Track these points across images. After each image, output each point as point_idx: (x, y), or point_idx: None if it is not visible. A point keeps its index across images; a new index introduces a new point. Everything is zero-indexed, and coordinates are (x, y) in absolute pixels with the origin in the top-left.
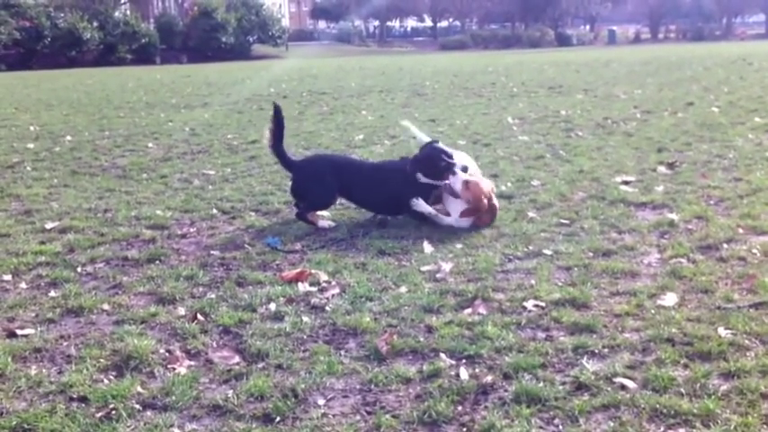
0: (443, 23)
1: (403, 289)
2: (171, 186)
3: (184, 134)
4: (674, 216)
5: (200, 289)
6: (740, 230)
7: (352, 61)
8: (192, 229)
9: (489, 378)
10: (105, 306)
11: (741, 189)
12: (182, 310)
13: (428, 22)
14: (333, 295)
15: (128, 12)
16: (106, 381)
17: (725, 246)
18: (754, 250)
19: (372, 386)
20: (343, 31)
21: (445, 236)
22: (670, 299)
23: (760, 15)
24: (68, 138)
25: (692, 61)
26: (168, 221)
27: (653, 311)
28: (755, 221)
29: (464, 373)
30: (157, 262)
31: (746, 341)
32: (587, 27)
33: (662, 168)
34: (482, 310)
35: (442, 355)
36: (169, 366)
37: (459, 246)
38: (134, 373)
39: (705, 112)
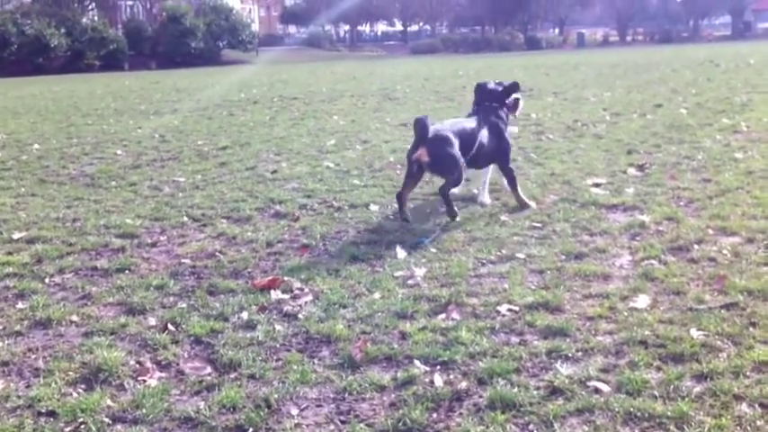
0: (414, 27)
1: (376, 295)
2: (140, 194)
3: (154, 141)
4: (644, 218)
5: (171, 298)
6: (710, 231)
7: (323, 66)
8: (162, 238)
9: (464, 384)
10: (74, 317)
11: (710, 190)
12: (152, 321)
13: (398, 27)
14: (306, 302)
15: (95, 18)
16: (75, 394)
17: (695, 247)
18: (725, 251)
19: (346, 394)
20: (313, 35)
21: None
22: (642, 301)
23: (726, 17)
24: (36, 146)
25: (659, 63)
26: (138, 230)
27: (625, 314)
28: (725, 222)
29: (438, 380)
30: (127, 271)
31: (718, 342)
32: (556, 30)
33: (632, 170)
34: (456, 315)
35: (416, 362)
36: (139, 378)
37: (432, 250)
38: (103, 385)
39: (673, 113)
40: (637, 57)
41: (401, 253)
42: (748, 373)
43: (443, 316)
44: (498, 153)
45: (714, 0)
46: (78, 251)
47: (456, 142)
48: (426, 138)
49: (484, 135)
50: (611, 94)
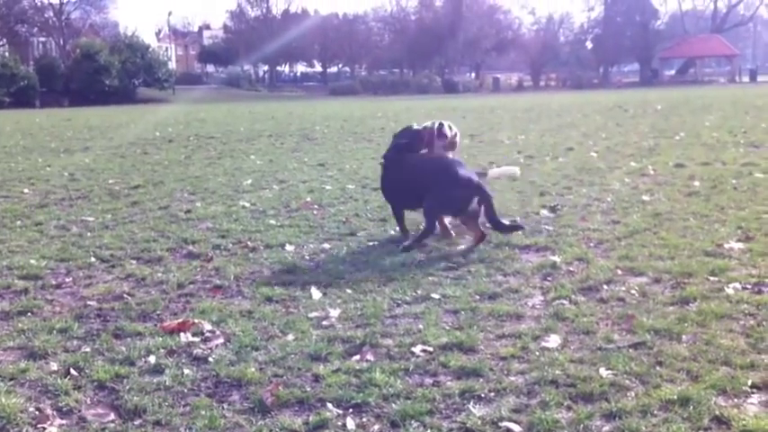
0: (333, 69)
1: (290, 337)
2: (47, 234)
3: (63, 179)
4: (556, 258)
5: (75, 342)
6: (619, 272)
7: (242, 105)
8: (67, 279)
9: (376, 427)
10: None
11: (619, 231)
12: (54, 365)
13: (318, 68)
14: (217, 345)
15: (6, 53)
16: None
17: (605, 287)
18: (633, 291)
19: None
20: (232, 75)
21: (334, 281)
22: (553, 340)
23: (635, 65)
24: None
25: (571, 108)
26: (42, 271)
27: (537, 353)
28: (633, 263)
29: (351, 423)
30: (29, 314)
31: (627, 381)
32: (473, 75)
33: (544, 211)
34: (370, 356)
35: (329, 405)
36: (39, 426)
37: (348, 291)
38: None
39: (584, 157)
40: (550, 101)
41: (316, 293)
42: (656, 412)
43: (358, 357)
44: None
45: (623, 48)
46: None
47: None
48: None
49: None
50: (526, 137)
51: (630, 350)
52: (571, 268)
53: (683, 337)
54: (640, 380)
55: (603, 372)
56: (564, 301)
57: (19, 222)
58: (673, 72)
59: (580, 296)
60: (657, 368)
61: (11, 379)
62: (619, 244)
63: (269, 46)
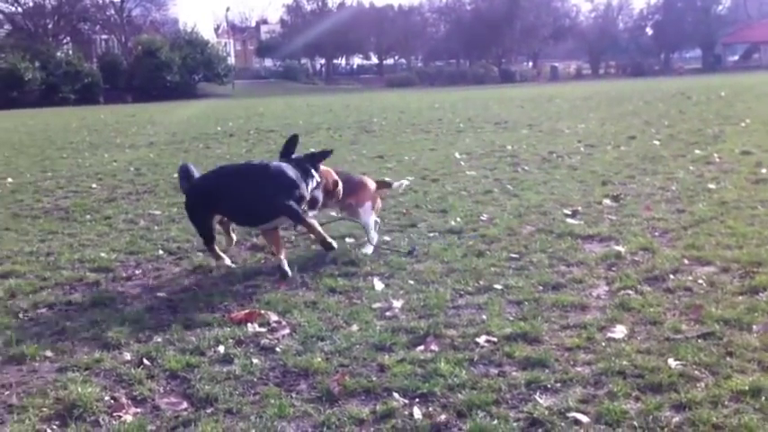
0: (389, 61)
1: (354, 327)
2: (115, 228)
3: (129, 174)
4: (620, 248)
5: (146, 333)
6: (685, 261)
7: (299, 99)
8: (137, 272)
9: (443, 417)
10: (48, 353)
11: (684, 220)
12: (127, 356)
13: (374, 60)
14: (283, 336)
15: (70, 51)
16: (49, 431)
17: (671, 277)
18: (700, 281)
19: (325, 428)
20: (289, 68)
21: (396, 272)
22: (619, 331)
23: (697, 50)
24: (9, 180)
25: (632, 96)
26: (113, 264)
27: (603, 344)
28: (700, 252)
29: (417, 413)
30: (102, 306)
31: (696, 372)
32: (530, 64)
33: (607, 201)
34: (434, 346)
35: (395, 395)
36: (114, 414)
37: (410, 282)
38: (78, 422)
39: (647, 145)
40: (609, 89)
41: (378, 284)
42: (726, 403)
43: (422, 348)
44: None
45: (685, 34)
46: (52, 286)
47: None
48: None
49: None
50: (586, 126)
51: (699, 341)
52: (636, 258)
53: (754, 327)
54: (710, 370)
55: (672, 362)
56: (629, 292)
57: (88, 216)
58: (736, 58)
59: (646, 286)
60: (727, 359)
61: (86, 369)
62: (685, 233)
63: (325, 39)
